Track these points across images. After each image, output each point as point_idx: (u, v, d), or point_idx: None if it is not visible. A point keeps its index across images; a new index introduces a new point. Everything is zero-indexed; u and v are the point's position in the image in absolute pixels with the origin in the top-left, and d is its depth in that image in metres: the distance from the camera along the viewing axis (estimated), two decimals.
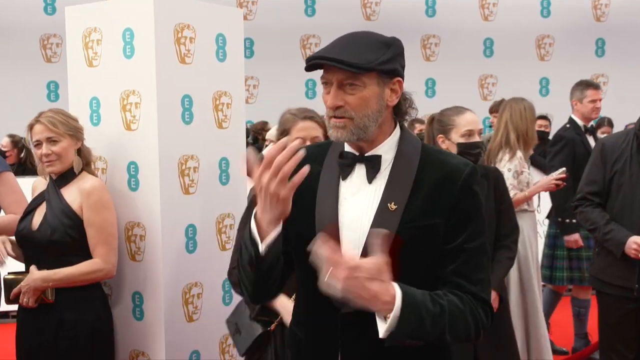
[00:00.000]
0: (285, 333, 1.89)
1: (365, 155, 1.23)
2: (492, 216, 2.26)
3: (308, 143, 1.77)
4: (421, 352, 1.18)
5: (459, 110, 2.26)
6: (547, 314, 3.56)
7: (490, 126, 4.65)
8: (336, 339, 1.20)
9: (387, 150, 1.23)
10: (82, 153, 2.05)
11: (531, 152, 3.11)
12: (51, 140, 1.97)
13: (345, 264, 1.02)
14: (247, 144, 4.54)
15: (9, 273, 2.04)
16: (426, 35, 6.73)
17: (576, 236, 3.32)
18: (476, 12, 6.77)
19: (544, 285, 3.60)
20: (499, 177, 2.35)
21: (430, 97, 6.66)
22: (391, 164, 1.22)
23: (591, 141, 3.39)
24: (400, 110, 1.25)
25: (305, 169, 1.10)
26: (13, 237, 2.07)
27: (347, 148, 1.25)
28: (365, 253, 1.12)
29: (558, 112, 5.86)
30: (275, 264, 1.19)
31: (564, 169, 3.04)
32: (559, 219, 3.34)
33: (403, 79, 1.22)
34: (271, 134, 4.16)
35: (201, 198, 2.19)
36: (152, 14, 2.03)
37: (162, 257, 2.08)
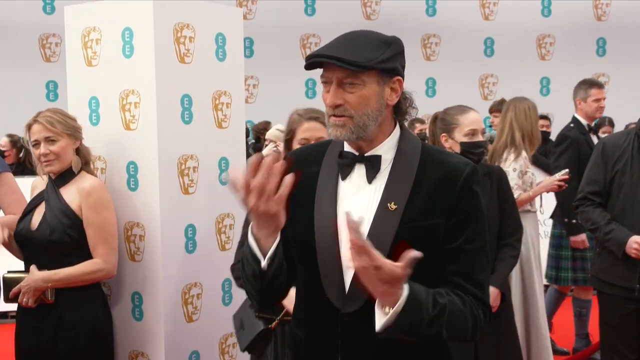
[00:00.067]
0: (286, 331, 1.92)
1: (365, 155, 1.22)
2: (495, 215, 2.26)
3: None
4: (421, 351, 1.17)
5: (462, 109, 2.27)
6: (550, 314, 3.56)
7: (490, 126, 4.64)
8: (336, 339, 1.20)
9: (386, 150, 1.22)
10: (81, 152, 2.05)
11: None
12: (49, 140, 1.97)
13: (372, 259, 1.02)
14: (247, 144, 4.55)
15: (8, 272, 2.04)
16: (426, 34, 6.72)
17: (583, 237, 3.30)
18: (477, 12, 6.76)
19: (548, 285, 3.60)
20: (502, 175, 2.35)
21: (430, 96, 6.65)
22: (391, 163, 1.21)
23: (595, 140, 3.38)
24: (400, 110, 1.25)
25: (289, 178, 1.09)
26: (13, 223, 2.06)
27: (347, 148, 1.25)
28: None
29: (559, 111, 5.86)
30: (279, 272, 1.19)
31: (566, 170, 3.03)
32: (565, 220, 3.32)
33: (403, 78, 1.22)
34: (271, 133, 4.17)
35: (201, 198, 2.19)
36: (151, 13, 2.02)
37: (161, 257, 2.08)
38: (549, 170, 4.31)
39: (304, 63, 1.21)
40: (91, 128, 2.17)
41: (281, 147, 4.06)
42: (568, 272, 3.39)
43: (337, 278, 1.18)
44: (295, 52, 6.33)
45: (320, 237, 1.20)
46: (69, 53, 2.24)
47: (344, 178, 1.23)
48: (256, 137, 5.39)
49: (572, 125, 3.43)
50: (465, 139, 2.20)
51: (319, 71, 1.20)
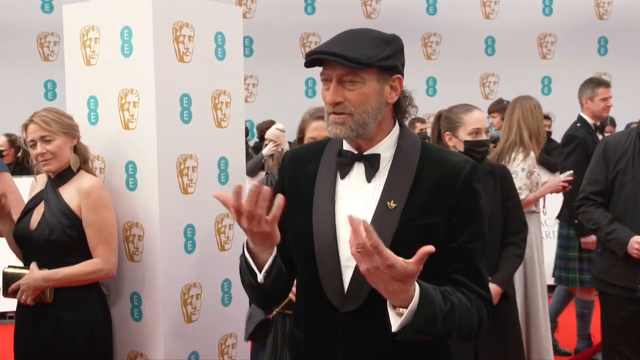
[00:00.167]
0: (286, 322, 1.98)
1: (364, 153, 1.22)
2: (499, 214, 2.26)
3: None
4: (421, 351, 1.17)
5: (467, 108, 2.27)
6: (557, 313, 3.56)
7: (490, 125, 4.63)
8: (335, 339, 1.20)
9: (386, 148, 1.22)
10: (79, 150, 2.05)
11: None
12: (45, 139, 1.97)
13: (385, 258, 1.01)
14: (246, 143, 4.54)
15: (9, 266, 2.04)
16: (427, 33, 6.71)
17: (593, 238, 3.28)
18: (477, 10, 6.74)
19: (555, 286, 3.59)
20: (505, 174, 2.35)
21: (431, 95, 6.63)
22: (390, 162, 1.21)
23: None
24: (400, 108, 1.24)
25: (280, 200, 1.10)
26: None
27: (346, 146, 1.24)
28: None
29: (560, 111, 5.85)
30: (277, 281, 1.20)
31: (571, 171, 3.02)
32: (575, 221, 3.31)
33: (403, 77, 1.21)
34: (270, 132, 4.16)
35: (200, 198, 2.18)
36: (150, 12, 2.01)
37: (160, 257, 2.07)
38: (553, 169, 4.31)
39: (303, 62, 1.21)
40: (90, 127, 2.16)
41: (285, 146, 4.07)
42: (576, 273, 3.37)
43: (336, 277, 1.18)
44: (295, 51, 6.31)
45: (318, 236, 1.20)
46: (67, 52, 2.23)
47: (342, 177, 1.23)
48: (260, 136, 5.38)
49: (578, 124, 3.40)
50: (469, 138, 2.21)
51: (319, 70, 1.20)
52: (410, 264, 1.02)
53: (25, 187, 2.23)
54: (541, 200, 3.03)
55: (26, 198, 2.14)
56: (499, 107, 4.25)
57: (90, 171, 2.07)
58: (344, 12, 6.36)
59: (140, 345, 2.12)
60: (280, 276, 1.20)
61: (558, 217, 3.59)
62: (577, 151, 3.26)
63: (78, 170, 2.03)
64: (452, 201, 1.17)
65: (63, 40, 2.27)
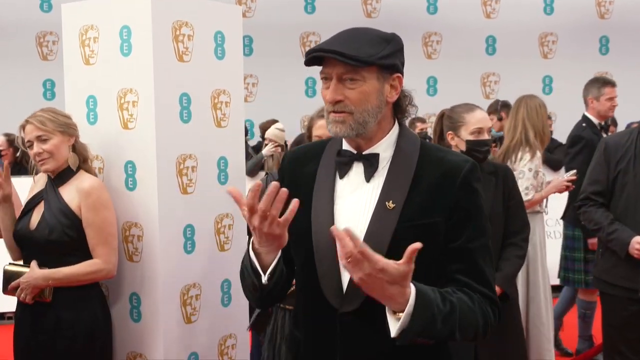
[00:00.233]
0: (286, 318, 2.03)
1: (363, 153, 1.21)
2: (500, 213, 2.25)
3: None
4: (421, 351, 1.17)
5: (469, 107, 2.28)
6: (562, 313, 3.55)
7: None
8: (335, 339, 1.19)
9: (385, 148, 1.22)
10: (78, 149, 2.04)
11: None
12: (41, 139, 1.97)
13: (374, 263, 1.01)
14: (246, 143, 4.53)
15: (10, 263, 2.04)
16: (427, 32, 6.69)
17: None
18: (478, 10, 6.72)
19: (559, 286, 3.58)
20: (507, 174, 2.34)
21: (431, 95, 6.62)
22: (389, 161, 1.21)
23: None
24: (400, 108, 1.24)
25: (295, 203, 1.10)
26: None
27: (345, 146, 1.24)
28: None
29: (561, 110, 5.83)
30: (279, 282, 1.20)
31: (574, 170, 3.01)
32: (583, 222, 3.30)
33: (402, 76, 1.21)
34: (270, 132, 4.15)
35: (199, 198, 2.17)
36: (149, 11, 2.00)
37: (159, 257, 2.06)
38: (556, 167, 4.30)
39: (303, 61, 1.20)
40: (89, 127, 2.15)
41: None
42: (581, 274, 3.36)
43: (335, 277, 1.18)
44: (295, 51, 6.30)
45: (317, 236, 1.20)
46: (66, 51, 2.22)
47: (342, 176, 1.22)
48: (262, 135, 5.37)
49: (584, 124, 3.39)
50: (471, 137, 2.22)
51: (319, 69, 1.20)
52: (401, 264, 1.01)
53: (24, 187, 2.22)
54: (544, 200, 3.03)
55: (25, 198, 2.13)
56: (492, 109, 4.26)
57: (90, 170, 2.07)
58: (344, 11, 6.34)
59: (140, 346, 2.11)
60: (282, 277, 1.20)
61: (563, 217, 3.58)
62: (584, 152, 3.24)
63: (78, 169, 2.03)
64: (452, 201, 1.17)
65: (62, 40, 2.27)
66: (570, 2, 6.75)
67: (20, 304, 2.01)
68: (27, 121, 1.99)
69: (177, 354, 2.12)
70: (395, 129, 1.23)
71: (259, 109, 5.95)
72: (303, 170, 1.27)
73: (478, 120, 2.23)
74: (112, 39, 2.08)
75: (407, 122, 1.29)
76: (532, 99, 2.99)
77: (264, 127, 5.16)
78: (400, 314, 1.04)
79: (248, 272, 1.19)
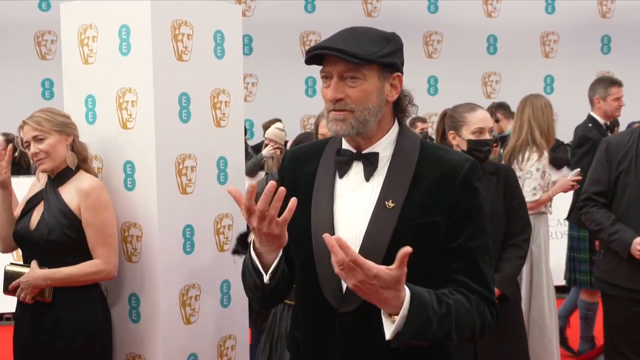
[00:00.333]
0: (284, 308, 2.04)
1: (363, 152, 1.21)
2: (501, 214, 2.25)
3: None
4: (420, 351, 1.16)
5: (471, 107, 2.28)
6: (569, 312, 3.54)
7: None
8: (334, 339, 1.19)
9: (384, 147, 1.21)
10: (76, 149, 2.03)
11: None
12: (38, 139, 1.97)
13: (367, 270, 1.01)
14: (245, 143, 4.52)
15: (11, 264, 2.05)
16: (428, 32, 6.68)
17: None
18: (479, 9, 6.71)
19: (563, 287, 3.57)
20: (509, 174, 2.34)
21: (432, 95, 6.61)
22: (389, 161, 1.21)
23: None
24: (400, 107, 1.24)
25: (293, 202, 1.10)
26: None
27: (345, 145, 1.24)
28: (361, 252, 1.10)
29: (562, 110, 5.81)
30: (281, 282, 1.20)
31: (578, 169, 3.00)
32: (584, 222, 3.29)
33: (402, 75, 1.21)
34: (270, 132, 4.14)
35: (199, 198, 2.16)
36: (148, 10, 1.99)
37: (159, 258, 2.06)
38: (559, 166, 4.29)
39: (303, 61, 1.20)
40: (87, 127, 2.14)
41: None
42: (587, 275, 3.35)
43: (334, 277, 1.16)
44: (295, 50, 6.29)
45: (317, 236, 1.19)
46: (65, 51, 2.21)
47: (341, 176, 1.22)
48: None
49: (590, 125, 3.37)
50: (472, 137, 2.22)
51: (319, 69, 1.19)
52: (393, 269, 1.02)
53: (22, 187, 2.22)
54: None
55: (22, 197, 2.12)
56: (488, 111, 4.24)
57: (89, 170, 2.06)
58: (344, 11, 6.33)
59: (139, 347, 2.11)
60: (283, 277, 1.20)
61: (567, 218, 3.57)
62: (591, 152, 3.22)
63: (78, 169, 2.02)
64: (452, 200, 1.17)
65: (60, 39, 2.26)
66: (572, 2, 6.74)
67: (20, 304, 2.01)
68: (24, 122, 1.99)
69: (176, 355, 2.11)
70: (395, 128, 1.23)
71: (258, 109, 5.95)
72: (303, 170, 1.27)
73: (479, 120, 2.23)
74: (111, 38, 2.07)
75: (407, 122, 1.29)
76: (537, 98, 2.98)
77: (267, 127, 5.15)
78: (396, 317, 1.04)
79: (249, 272, 1.19)
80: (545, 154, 2.88)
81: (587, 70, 5.60)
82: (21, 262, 2.05)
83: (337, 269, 1.02)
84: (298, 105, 6.13)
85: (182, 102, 2.11)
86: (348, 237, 1.15)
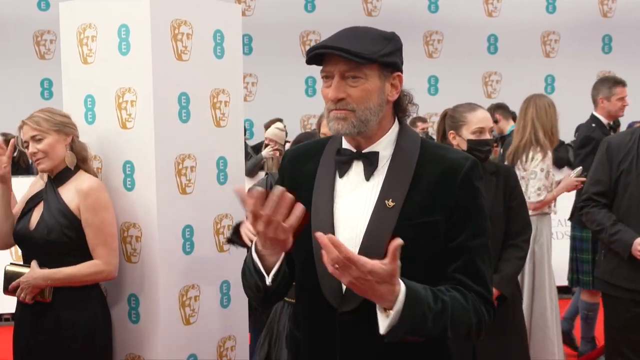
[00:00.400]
0: (284, 305, 2.04)
1: (363, 152, 1.21)
2: (501, 214, 2.25)
3: None
4: (421, 350, 1.16)
5: (471, 107, 2.28)
6: (575, 314, 3.52)
7: None
8: (334, 339, 1.19)
9: (385, 146, 1.21)
10: (75, 149, 2.03)
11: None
12: (36, 139, 1.97)
13: (361, 266, 1.01)
14: (245, 142, 4.52)
15: (11, 264, 2.05)
16: (429, 31, 6.67)
17: None
18: (480, 8, 6.70)
19: (565, 287, 3.55)
20: (510, 174, 2.34)
21: (432, 94, 6.60)
22: (389, 160, 1.20)
23: None
24: (400, 107, 1.24)
25: (300, 208, 1.10)
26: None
27: (345, 145, 1.24)
28: (361, 252, 1.11)
29: (563, 109, 5.79)
30: (282, 281, 1.20)
31: (580, 167, 2.99)
32: (585, 223, 3.28)
33: (402, 75, 1.21)
34: (270, 132, 4.14)
35: (198, 198, 2.16)
36: (148, 9, 1.99)
37: (158, 258, 2.05)
38: (560, 165, 4.28)
39: (303, 60, 1.20)
40: (87, 127, 2.14)
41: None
42: (589, 275, 3.34)
43: (334, 277, 1.16)
44: (295, 50, 6.28)
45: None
46: (64, 50, 2.21)
47: (341, 175, 1.22)
48: None
49: (593, 125, 3.36)
50: (472, 137, 2.22)
51: (319, 68, 1.19)
52: (387, 264, 1.02)
53: (20, 187, 2.21)
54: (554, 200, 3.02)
55: (21, 197, 2.12)
56: (492, 112, 4.24)
57: (89, 170, 2.06)
58: (344, 10, 6.32)
59: (138, 347, 2.10)
60: (285, 278, 1.20)
61: (570, 218, 3.56)
62: (594, 153, 3.21)
63: (77, 169, 2.02)
64: (452, 199, 1.17)
65: (59, 39, 2.25)
66: (573, 1, 6.73)
67: (20, 304, 2.01)
68: (23, 122, 1.99)
69: (176, 355, 2.11)
70: (395, 128, 1.23)
71: (258, 109, 5.94)
72: (303, 169, 1.27)
73: (480, 120, 2.23)
74: (110, 37, 2.07)
75: (408, 122, 1.29)
76: (541, 98, 2.97)
77: (269, 127, 5.15)
78: (391, 312, 1.04)
79: (251, 273, 1.19)
80: (549, 154, 2.87)
81: (588, 69, 5.59)
82: (21, 262, 2.05)
83: (330, 268, 1.02)
84: (298, 105, 6.12)
85: (182, 102, 2.10)
86: (348, 236, 1.16)
